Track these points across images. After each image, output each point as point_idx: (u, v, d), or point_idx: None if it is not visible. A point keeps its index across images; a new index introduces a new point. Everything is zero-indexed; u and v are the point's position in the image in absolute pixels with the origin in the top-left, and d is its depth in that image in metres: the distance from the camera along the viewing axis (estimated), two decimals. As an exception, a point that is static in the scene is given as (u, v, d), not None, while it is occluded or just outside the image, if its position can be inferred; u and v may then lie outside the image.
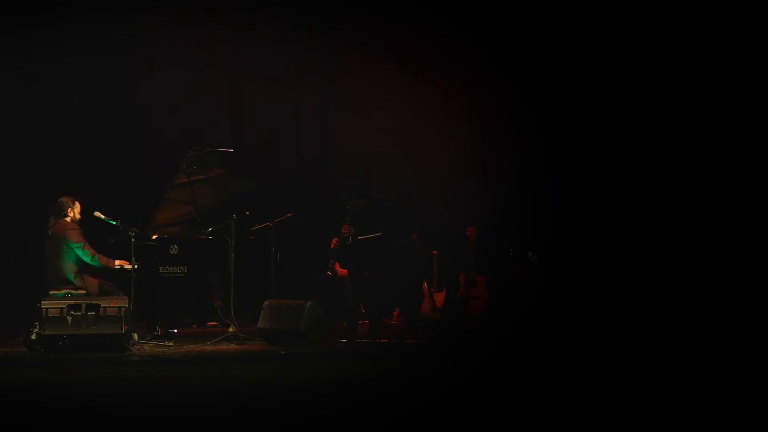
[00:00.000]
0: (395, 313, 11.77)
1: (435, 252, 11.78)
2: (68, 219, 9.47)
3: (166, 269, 9.89)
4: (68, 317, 8.95)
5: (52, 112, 12.03)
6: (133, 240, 9.53)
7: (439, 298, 11.67)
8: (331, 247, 11.50)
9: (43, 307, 8.98)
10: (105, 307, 9.02)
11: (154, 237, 10.06)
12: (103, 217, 9.69)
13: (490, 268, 11.57)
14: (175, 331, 10.00)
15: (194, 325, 11.33)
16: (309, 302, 9.68)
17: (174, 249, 9.93)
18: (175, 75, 12.46)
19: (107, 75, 12.01)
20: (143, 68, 12.38)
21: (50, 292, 9.29)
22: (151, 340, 9.69)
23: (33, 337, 9.02)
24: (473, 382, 7.57)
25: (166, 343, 9.57)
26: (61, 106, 12.06)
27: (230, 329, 9.91)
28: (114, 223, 9.69)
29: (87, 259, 9.43)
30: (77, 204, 9.58)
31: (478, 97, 12.88)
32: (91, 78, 11.95)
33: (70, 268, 9.39)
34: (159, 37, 12.43)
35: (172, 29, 12.44)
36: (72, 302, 9.05)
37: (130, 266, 9.55)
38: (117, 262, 9.61)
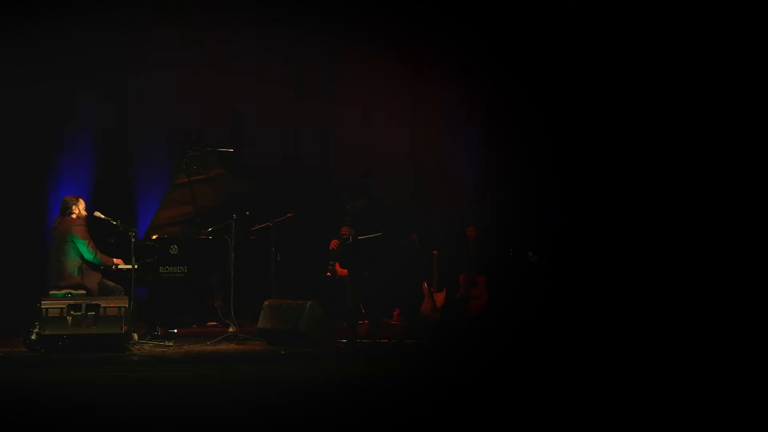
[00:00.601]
0: (395, 313, 11.76)
1: (435, 252, 11.77)
2: (74, 216, 9.49)
3: (166, 269, 9.89)
4: (68, 317, 8.94)
5: (52, 112, 12.01)
6: (133, 240, 9.54)
7: (439, 298, 11.65)
8: (331, 248, 11.49)
9: (43, 307, 8.98)
10: (105, 307, 9.02)
11: (154, 237, 10.06)
12: (103, 216, 9.70)
13: (490, 268, 11.56)
14: (175, 331, 10.01)
15: (194, 325, 11.33)
16: (309, 302, 9.69)
17: (174, 249, 9.93)
18: (175, 75, 12.44)
19: (107, 75, 12.01)
20: (143, 68, 12.36)
21: (50, 292, 9.30)
22: (151, 340, 9.70)
23: (33, 337, 9.01)
24: (473, 382, 7.57)
25: (166, 343, 9.58)
26: (61, 106, 12.04)
27: (230, 329, 9.92)
28: (114, 223, 9.69)
29: (90, 256, 9.44)
30: (81, 201, 9.62)
31: (478, 97, 12.87)
32: (91, 78, 11.95)
33: (75, 264, 9.41)
34: (159, 37, 12.41)
35: (172, 29, 12.43)
36: (72, 302, 9.05)
37: (127, 266, 9.56)
38: (115, 261, 9.64)
